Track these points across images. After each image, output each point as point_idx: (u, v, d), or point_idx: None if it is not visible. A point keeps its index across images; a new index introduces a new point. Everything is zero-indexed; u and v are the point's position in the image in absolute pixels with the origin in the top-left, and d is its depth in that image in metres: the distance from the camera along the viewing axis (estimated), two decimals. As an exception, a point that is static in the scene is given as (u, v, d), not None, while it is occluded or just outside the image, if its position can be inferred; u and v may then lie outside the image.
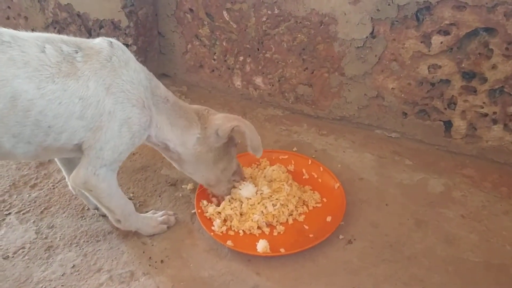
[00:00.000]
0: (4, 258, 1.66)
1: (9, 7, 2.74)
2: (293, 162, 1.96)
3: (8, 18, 2.80)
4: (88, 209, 1.84)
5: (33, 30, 2.57)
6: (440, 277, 1.54)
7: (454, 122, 1.98)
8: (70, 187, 1.81)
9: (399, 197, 1.86)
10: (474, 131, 1.97)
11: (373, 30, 1.92)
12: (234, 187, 1.80)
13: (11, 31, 1.36)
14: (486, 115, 1.90)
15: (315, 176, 1.91)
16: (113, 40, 1.49)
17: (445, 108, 1.97)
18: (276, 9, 2.05)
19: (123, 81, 1.44)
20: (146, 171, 2.03)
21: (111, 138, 1.45)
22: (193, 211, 1.80)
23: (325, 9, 1.96)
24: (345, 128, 2.25)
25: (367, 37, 1.94)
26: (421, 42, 1.86)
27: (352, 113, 2.19)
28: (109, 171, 1.51)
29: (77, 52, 1.40)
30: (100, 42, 1.47)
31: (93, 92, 1.39)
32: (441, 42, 1.82)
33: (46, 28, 2.53)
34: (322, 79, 2.14)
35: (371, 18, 1.89)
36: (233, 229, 1.69)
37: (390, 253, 1.63)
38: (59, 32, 2.48)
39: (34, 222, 1.80)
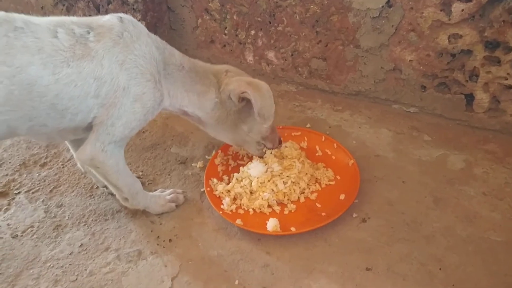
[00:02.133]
0: (13, 237, 1.66)
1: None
2: (306, 139, 1.90)
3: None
4: (97, 187, 1.82)
5: (42, 7, 2.54)
6: (459, 257, 1.47)
7: (476, 95, 1.87)
8: (79, 165, 1.79)
9: (417, 174, 1.78)
10: (497, 105, 1.86)
11: (389, -2, 1.82)
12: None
13: (23, 16, 1.34)
14: (510, 87, 1.79)
15: (329, 153, 1.84)
16: (123, 15, 1.47)
17: (467, 81, 1.86)
18: (287, -21, 1.96)
19: (136, 56, 1.42)
20: (155, 149, 1.99)
21: (124, 114, 1.43)
22: (202, 190, 1.76)
23: (339, -23, 1.86)
24: (361, 103, 2.16)
25: (383, 6, 1.84)
26: (441, 10, 1.75)
27: (368, 87, 2.10)
28: (117, 148, 1.49)
29: (89, 33, 1.38)
30: (110, 18, 1.44)
31: (107, 70, 1.38)
32: (462, 10, 1.71)
33: (55, 6, 2.48)
34: (336, 52, 2.05)
35: (388, -15, 1.78)
36: (242, 207, 1.65)
37: (406, 232, 1.56)
38: (67, 10, 2.44)
39: (43, 201, 1.79)
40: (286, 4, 2.03)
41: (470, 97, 1.90)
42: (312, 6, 1.98)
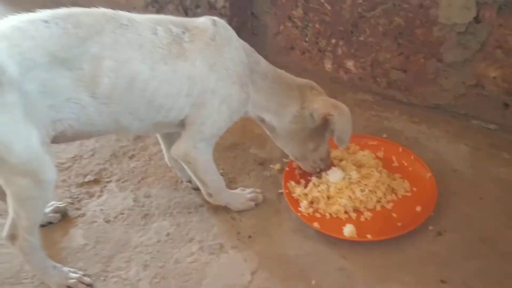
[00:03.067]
0: (106, 222, 1.81)
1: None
2: (382, 149, 1.94)
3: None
4: (182, 182, 1.95)
5: (134, 8, 2.72)
6: (537, 278, 1.47)
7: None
8: (166, 159, 1.91)
9: (495, 192, 1.80)
10: None
11: (477, 14, 1.84)
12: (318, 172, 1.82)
13: (127, 14, 1.45)
14: None
15: (405, 164, 1.88)
16: (216, 18, 1.56)
17: (552, 101, 1.85)
18: (373, -9, 2.02)
19: (225, 59, 1.51)
20: (235, 149, 2.09)
21: (212, 114, 1.53)
22: (280, 191, 1.85)
23: (426, -9, 1.90)
24: (439, 116, 2.18)
25: (470, 22, 1.87)
26: (532, 28, 1.75)
27: (448, 101, 2.13)
28: (208, 146, 1.61)
29: (184, 33, 1.48)
30: (204, 21, 1.54)
31: (199, 71, 1.47)
32: (555, 29, 1.70)
33: (146, 7, 2.67)
34: (417, 65, 2.10)
35: (477, 1, 1.81)
36: (319, 211, 1.72)
37: (482, 249, 1.59)
38: (157, 11, 2.60)
39: (131, 191, 1.94)
40: (370, 15, 2.09)
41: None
42: (396, 18, 2.02)
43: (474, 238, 1.63)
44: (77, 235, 1.76)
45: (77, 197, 1.92)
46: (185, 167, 1.67)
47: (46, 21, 1.31)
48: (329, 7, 2.18)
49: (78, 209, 1.87)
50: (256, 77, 1.63)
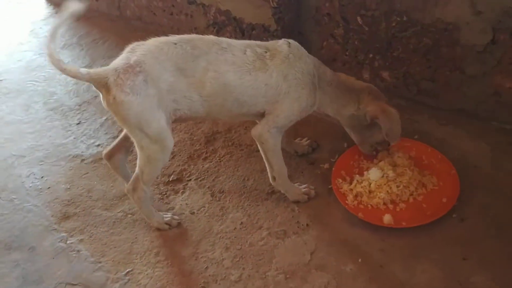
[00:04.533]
0: (191, 213, 2.25)
1: (173, 6, 3.33)
2: (414, 149, 2.29)
3: (171, 14, 3.40)
4: (248, 179, 2.37)
5: (195, 28, 3.14)
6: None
7: None
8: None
9: (510, 184, 2.10)
10: None
11: (493, 37, 2.15)
12: (376, 152, 2.28)
13: (227, 40, 2.02)
14: None
15: (433, 162, 2.23)
16: (291, 41, 2.07)
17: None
18: (405, 17, 2.35)
19: (296, 72, 2.01)
20: (288, 152, 2.45)
21: (286, 109, 2.03)
22: (329, 187, 2.23)
23: (450, 18, 2.22)
24: (463, 119, 2.47)
25: (487, 43, 2.18)
26: (539, 49, 2.07)
27: (470, 106, 2.42)
28: (278, 132, 2.08)
29: (266, 52, 2.01)
30: (282, 43, 2.05)
31: (275, 80, 1.99)
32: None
33: (207, 28, 3.08)
34: (444, 76, 2.41)
35: (492, 27, 2.12)
36: (363, 203, 2.10)
37: (498, 232, 1.93)
38: (217, 31, 3.02)
39: (208, 187, 2.37)
40: (402, 36, 2.42)
41: None
42: (424, 39, 2.36)
43: (491, 223, 1.96)
44: (170, 225, 2.23)
45: (165, 193, 2.39)
46: (259, 147, 2.12)
47: (175, 43, 1.92)
48: (366, 28, 2.52)
49: (167, 203, 2.34)
50: (324, 84, 2.10)
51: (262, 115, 2.07)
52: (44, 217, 2.35)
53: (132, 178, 2.08)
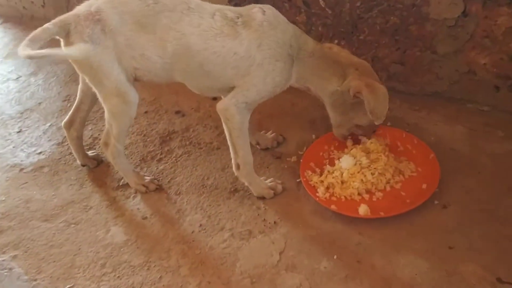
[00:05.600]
0: (143, 219, 2.00)
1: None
2: (388, 136, 2.12)
3: None
4: (208, 178, 2.14)
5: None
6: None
7: (548, 93, 2.03)
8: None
9: (491, 166, 1.97)
10: None
11: (465, 9, 2.01)
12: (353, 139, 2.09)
13: (197, 0, 1.86)
14: None
15: (410, 147, 2.06)
16: (266, 7, 1.86)
17: (539, 81, 2.03)
18: (369, -6, 2.20)
19: (271, 41, 1.80)
20: (252, 147, 2.26)
21: (258, 83, 1.83)
22: (298, 180, 2.03)
23: (417, -9, 2.08)
24: (436, 102, 2.34)
25: (459, 16, 2.04)
26: (514, 18, 1.94)
27: (444, 88, 2.29)
28: (246, 109, 1.87)
29: (238, 18, 1.81)
30: (257, 11, 1.84)
31: (245, 49, 1.79)
32: (534, 17, 1.89)
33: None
34: (414, 58, 2.27)
35: (463, -2, 1.99)
36: (335, 195, 1.90)
37: (483, 216, 1.77)
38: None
39: (163, 190, 2.13)
40: (368, 16, 2.27)
41: (542, 96, 2.06)
42: (392, 18, 2.20)
43: (475, 208, 1.80)
44: (118, 232, 1.96)
45: (114, 199, 2.12)
46: (224, 125, 1.90)
47: None
48: (330, 11, 2.36)
49: (116, 210, 2.08)
50: (304, 54, 1.88)
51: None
52: (-27, 233, 2.04)
53: (104, 132, 2.04)
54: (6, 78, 3.25)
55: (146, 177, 2.14)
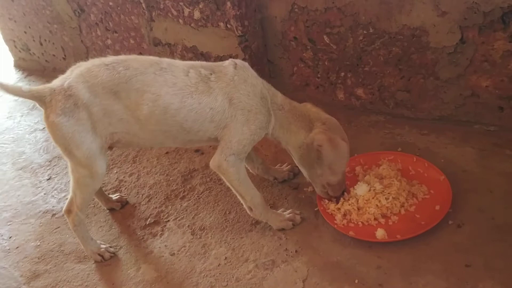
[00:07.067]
0: (171, 255, 2.10)
1: (141, 53, 3.29)
2: (399, 161, 2.20)
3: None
4: (230, 212, 2.24)
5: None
6: (547, 251, 1.70)
7: (551, 111, 2.10)
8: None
9: (503, 184, 2.02)
10: None
11: (462, 36, 2.11)
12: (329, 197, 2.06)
13: (168, 60, 1.92)
14: None
15: (421, 171, 2.13)
16: (238, 61, 1.96)
17: (541, 99, 2.10)
18: (371, 29, 2.32)
19: (241, 94, 1.90)
20: (270, 181, 2.37)
21: (236, 134, 1.91)
22: (315, 209, 2.11)
23: (416, 23, 2.19)
24: (444, 126, 2.41)
25: (457, 43, 2.14)
26: (510, 42, 2.03)
27: (450, 112, 2.37)
28: (237, 160, 1.94)
29: (211, 74, 1.90)
30: (228, 65, 1.95)
31: (220, 103, 1.88)
32: (529, 40, 1.98)
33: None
34: (418, 85, 2.37)
35: (459, 26, 2.09)
36: (352, 221, 1.97)
37: (499, 234, 1.81)
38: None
39: (188, 226, 2.23)
40: (371, 49, 2.39)
41: (546, 113, 2.13)
42: (394, 48, 2.32)
43: (490, 226, 1.85)
44: (149, 269, 2.06)
45: (142, 238, 2.23)
46: (223, 178, 1.99)
47: (107, 65, 1.87)
48: (334, 47, 2.49)
49: (145, 248, 2.18)
50: (275, 107, 1.98)
51: (217, 140, 1.97)
52: (12, 278, 2.16)
53: (68, 200, 2.08)
54: (33, 128, 3.44)
55: (102, 245, 2.16)
